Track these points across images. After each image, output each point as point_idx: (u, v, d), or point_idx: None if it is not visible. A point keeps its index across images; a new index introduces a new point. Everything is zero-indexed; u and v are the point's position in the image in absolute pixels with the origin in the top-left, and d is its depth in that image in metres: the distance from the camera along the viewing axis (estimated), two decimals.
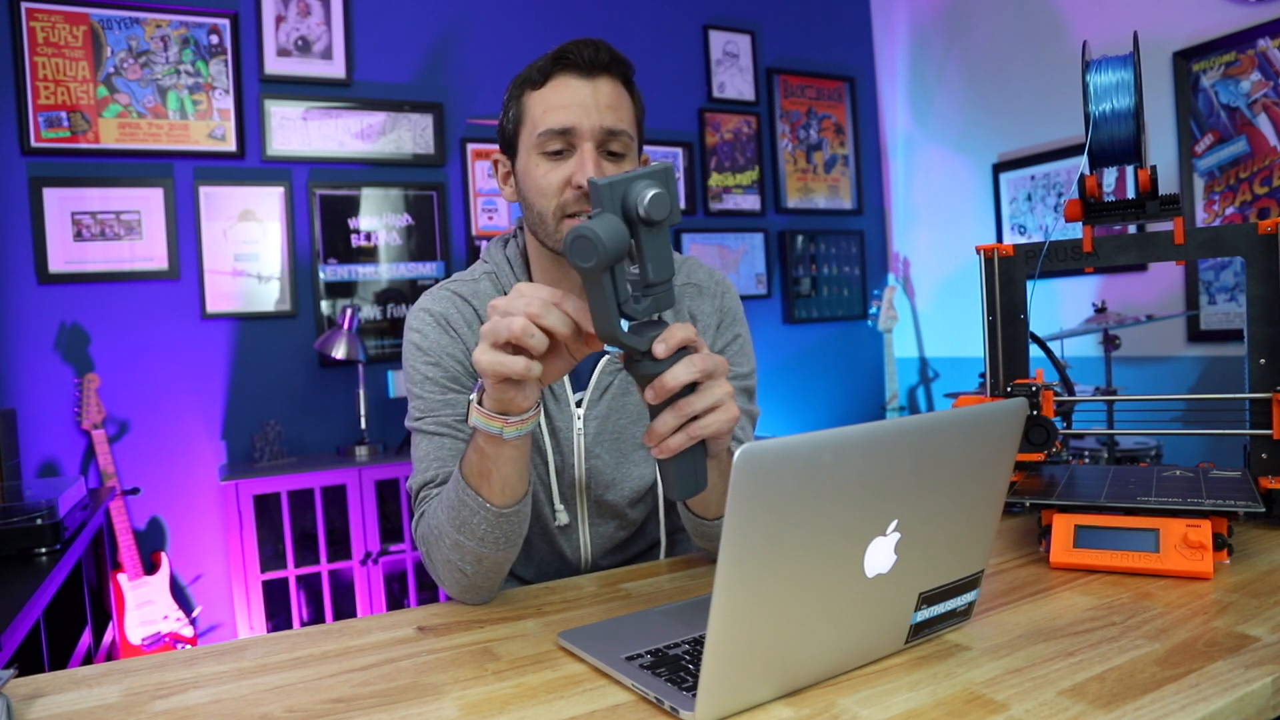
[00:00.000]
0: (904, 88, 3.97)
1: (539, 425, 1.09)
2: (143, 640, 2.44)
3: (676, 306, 1.14)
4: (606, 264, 0.68)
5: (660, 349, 0.73)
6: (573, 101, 0.99)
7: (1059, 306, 3.14)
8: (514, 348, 0.76)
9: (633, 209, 0.69)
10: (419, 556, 2.72)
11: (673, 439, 0.75)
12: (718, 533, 0.93)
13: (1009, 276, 1.17)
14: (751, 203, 3.72)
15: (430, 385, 1.05)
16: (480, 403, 0.83)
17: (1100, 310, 2.71)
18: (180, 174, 2.73)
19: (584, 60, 0.99)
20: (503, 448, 0.84)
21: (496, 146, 1.17)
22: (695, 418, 0.75)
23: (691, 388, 0.75)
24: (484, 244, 3.16)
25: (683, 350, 0.74)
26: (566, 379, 1.10)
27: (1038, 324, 1.18)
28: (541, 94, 1.01)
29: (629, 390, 1.12)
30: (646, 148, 1.10)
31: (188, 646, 2.43)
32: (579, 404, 1.11)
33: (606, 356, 1.11)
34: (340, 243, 2.95)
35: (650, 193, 0.69)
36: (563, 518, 1.12)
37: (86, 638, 2.05)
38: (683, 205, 3.56)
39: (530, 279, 1.11)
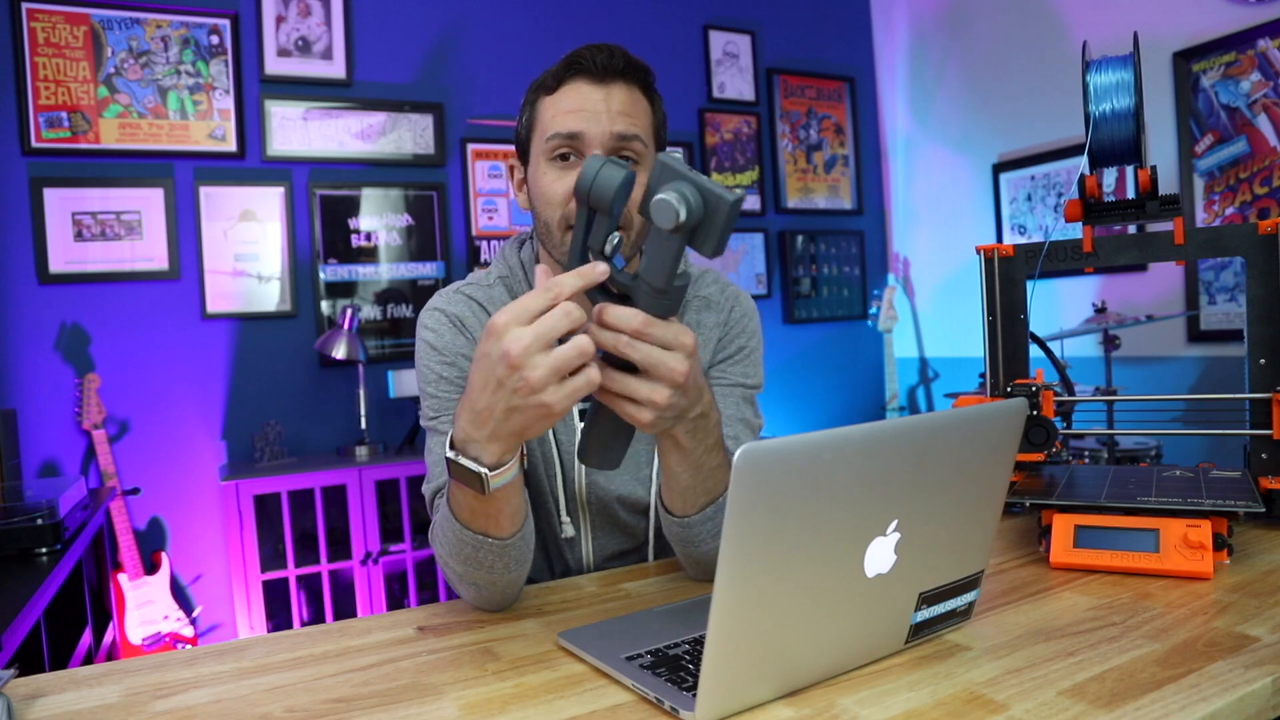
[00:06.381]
0: (904, 88, 3.97)
1: (549, 437, 1.09)
2: (143, 640, 2.44)
3: (685, 318, 1.14)
4: (583, 199, 0.69)
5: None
6: (583, 107, 0.97)
7: (1059, 306, 3.14)
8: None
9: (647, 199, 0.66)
10: (419, 556, 2.73)
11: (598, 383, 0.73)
12: (699, 545, 0.93)
13: (1009, 276, 1.17)
14: (751, 203, 3.71)
15: (444, 385, 1.04)
16: (457, 451, 0.76)
17: (1100, 310, 2.71)
18: (180, 174, 2.73)
19: (597, 66, 0.98)
20: (502, 489, 0.78)
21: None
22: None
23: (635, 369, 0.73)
24: (484, 244, 3.16)
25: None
26: None
27: (1038, 324, 1.18)
28: (554, 99, 1.00)
29: None
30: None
31: (188, 646, 2.43)
32: (580, 415, 1.11)
33: None
34: (340, 243, 2.95)
35: (662, 195, 0.64)
36: (569, 530, 1.11)
37: (87, 638, 2.05)
38: None
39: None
